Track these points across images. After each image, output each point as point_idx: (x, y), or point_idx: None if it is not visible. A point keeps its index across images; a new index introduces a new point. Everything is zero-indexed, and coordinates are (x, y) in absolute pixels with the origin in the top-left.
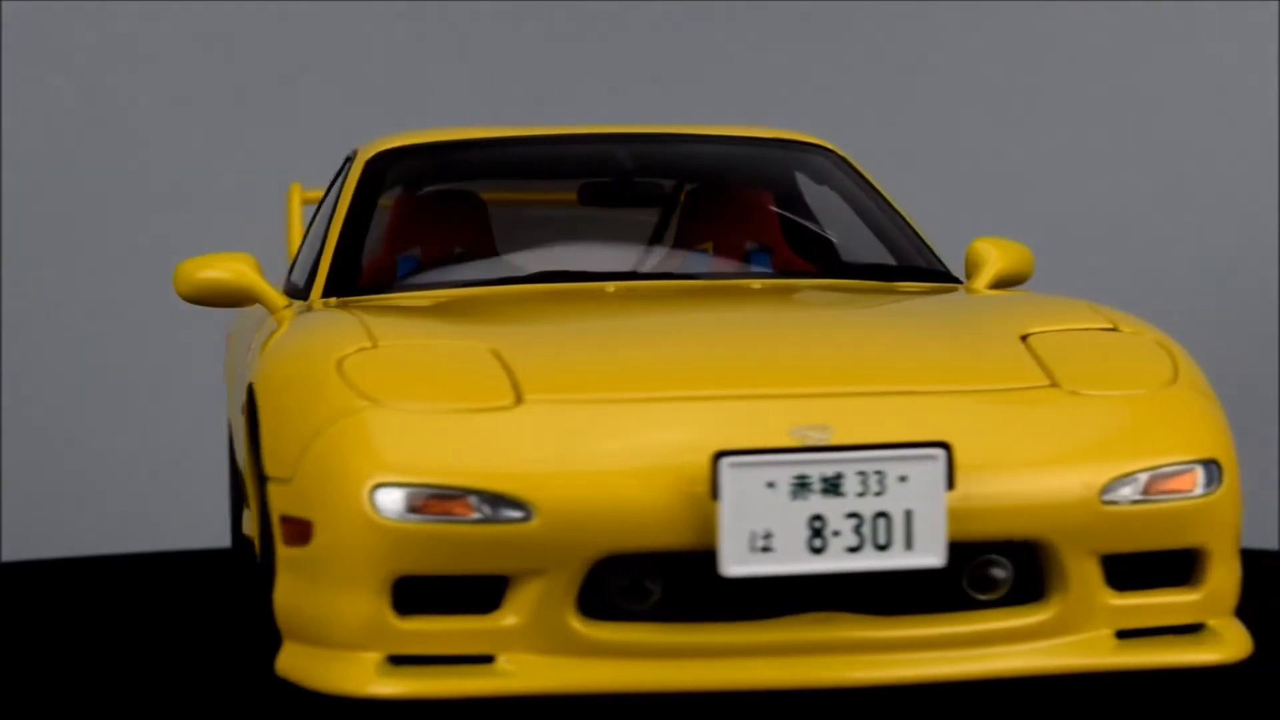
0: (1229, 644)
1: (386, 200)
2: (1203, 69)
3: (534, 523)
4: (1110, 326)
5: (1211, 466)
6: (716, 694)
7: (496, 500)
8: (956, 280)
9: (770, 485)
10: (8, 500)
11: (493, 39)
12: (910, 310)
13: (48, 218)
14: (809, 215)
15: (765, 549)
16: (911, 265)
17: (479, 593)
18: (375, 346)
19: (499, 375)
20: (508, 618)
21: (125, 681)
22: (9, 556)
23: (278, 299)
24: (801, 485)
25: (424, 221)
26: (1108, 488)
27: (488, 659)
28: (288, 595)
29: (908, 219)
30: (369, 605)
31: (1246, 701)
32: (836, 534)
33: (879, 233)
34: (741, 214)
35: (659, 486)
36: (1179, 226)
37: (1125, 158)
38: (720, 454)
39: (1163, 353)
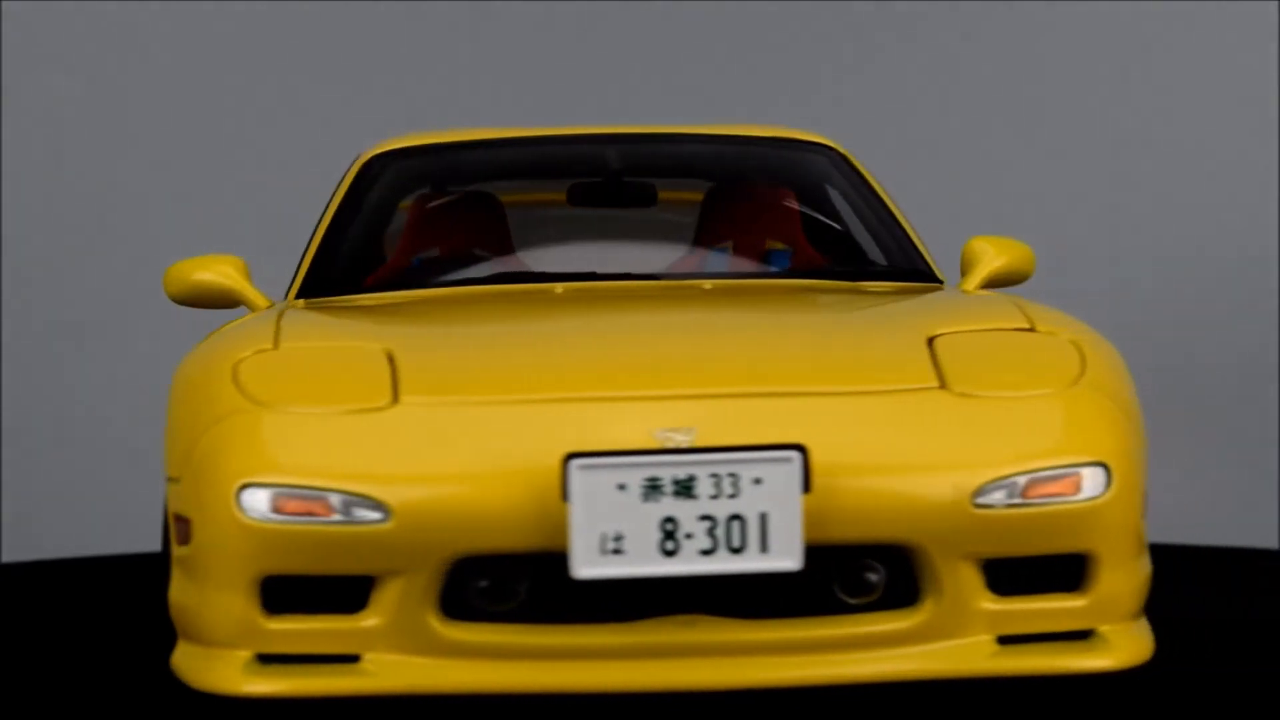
0: (1119, 650)
1: (407, 203)
2: (1204, 67)
3: (390, 524)
4: (1027, 326)
5: (1099, 470)
6: (582, 696)
7: (354, 501)
8: (938, 281)
9: (621, 487)
10: (8, 500)
11: (495, 40)
12: (832, 311)
13: (49, 217)
14: (802, 214)
15: (616, 551)
16: (892, 265)
17: (347, 593)
18: (275, 349)
19: (383, 377)
20: (371, 618)
21: (123, 680)
22: (9, 557)
23: (261, 301)
24: (653, 487)
25: (430, 223)
26: (980, 491)
27: (353, 658)
28: (177, 593)
29: (900, 219)
30: (238, 604)
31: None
32: (689, 536)
33: (869, 232)
34: (729, 213)
35: (513, 488)
36: (1181, 226)
37: (1131, 157)
38: (570, 456)
39: (1073, 353)
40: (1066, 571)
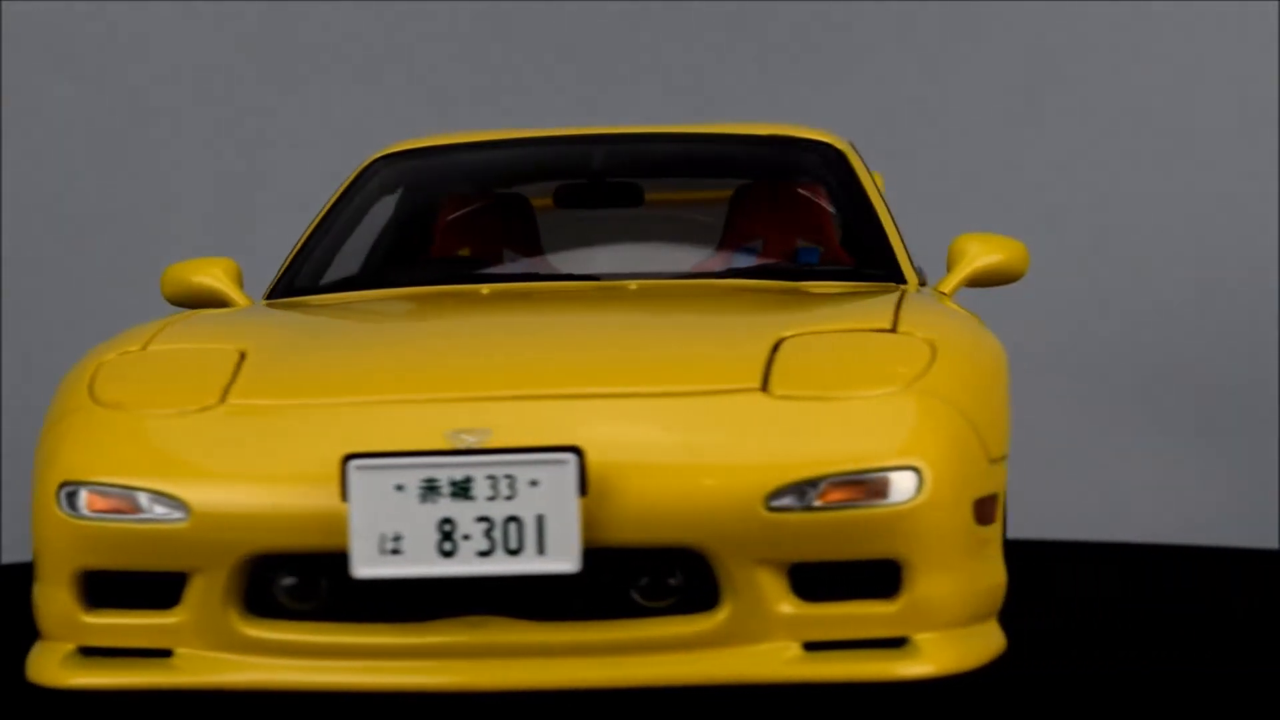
0: (930, 659)
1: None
2: (1204, 67)
3: (188, 522)
4: (887, 327)
5: (910, 474)
6: (376, 696)
7: (158, 500)
8: (904, 281)
9: (399, 488)
10: (8, 500)
11: (500, 43)
12: (703, 313)
13: (51, 217)
14: (783, 212)
15: (395, 551)
16: (857, 264)
17: (162, 589)
18: (142, 351)
19: (222, 379)
20: (181, 614)
21: None
22: (9, 558)
23: (242, 303)
24: (430, 489)
25: (424, 225)
26: (774, 495)
27: (166, 653)
28: (33, 589)
29: (882, 217)
30: (62, 598)
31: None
32: (467, 538)
33: (851, 230)
34: (748, 212)
35: (303, 489)
36: (1182, 226)
37: (1134, 156)
38: (349, 457)
39: (921, 355)
40: (881, 577)
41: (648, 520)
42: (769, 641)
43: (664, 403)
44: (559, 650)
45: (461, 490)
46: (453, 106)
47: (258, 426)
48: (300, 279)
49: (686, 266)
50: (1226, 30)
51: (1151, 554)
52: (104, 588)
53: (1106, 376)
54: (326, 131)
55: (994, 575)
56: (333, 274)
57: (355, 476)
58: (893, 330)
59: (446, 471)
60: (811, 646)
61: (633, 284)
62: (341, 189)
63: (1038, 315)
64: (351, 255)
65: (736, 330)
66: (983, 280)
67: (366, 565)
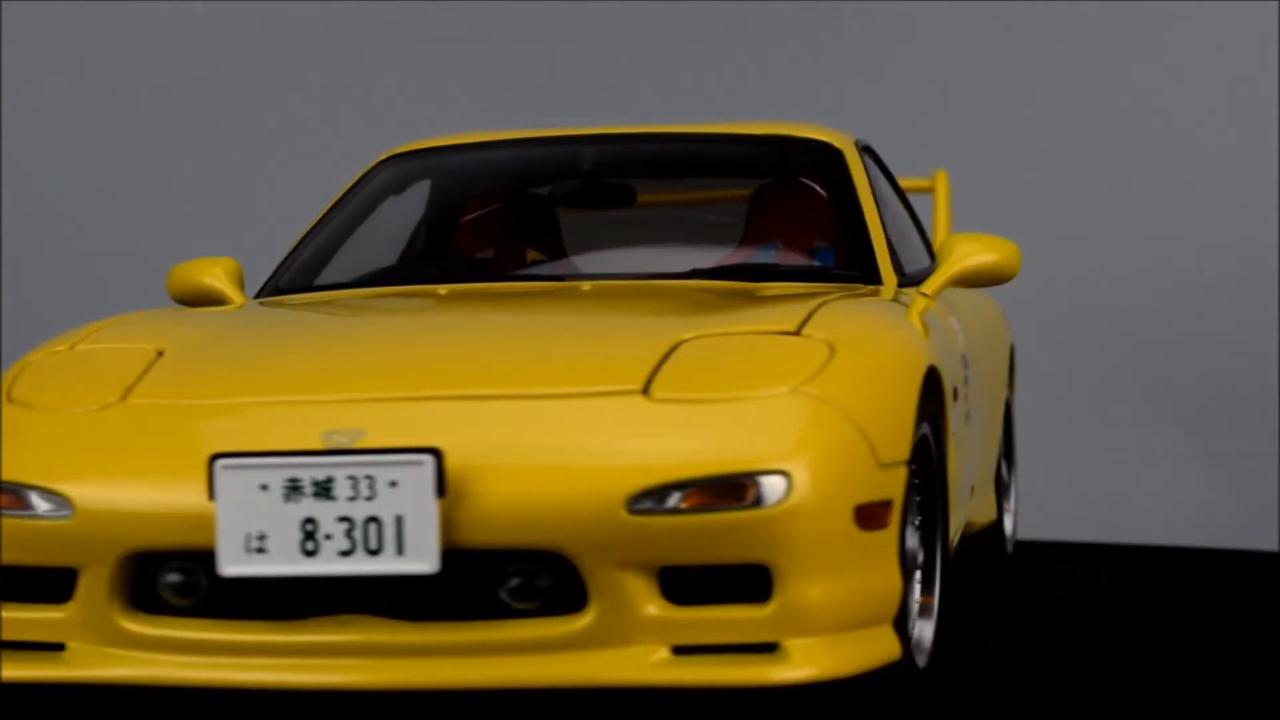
0: (804, 664)
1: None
2: (1204, 67)
3: (72, 519)
4: (791, 330)
5: (778, 478)
6: (254, 692)
7: (45, 496)
8: (878, 282)
9: (264, 488)
10: None
11: (500, 43)
12: (616, 314)
13: (51, 217)
14: (786, 212)
15: (260, 550)
16: (835, 265)
17: (57, 584)
18: (70, 350)
19: (129, 378)
20: (71, 609)
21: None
22: None
23: (239, 301)
24: (293, 488)
25: (425, 224)
26: (636, 498)
27: (59, 647)
28: None
29: (867, 217)
30: None
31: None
32: (329, 537)
33: (837, 229)
34: (765, 211)
35: (176, 487)
36: (1182, 226)
37: (1137, 156)
38: (215, 456)
39: (817, 357)
40: (752, 582)
41: (507, 522)
42: (636, 645)
43: (534, 405)
44: (427, 650)
45: (323, 490)
46: (452, 106)
47: (144, 425)
48: (289, 278)
49: (682, 268)
50: (1226, 30)
51: (1151, 554)
52: (3, 582)
53: (1106, 377)
54: (327, 131)
55: (883, 582)
56: (330, 272)
57: (221, 476)
58: (796, 333)
59: (309, 472)
60: (681, 650)
61: (586, 285)
62: (346, 188)
63: (1037, 315)
64: (351, 254)
65: (640, 331)
66: (973, 280)
67: (233, 563)
